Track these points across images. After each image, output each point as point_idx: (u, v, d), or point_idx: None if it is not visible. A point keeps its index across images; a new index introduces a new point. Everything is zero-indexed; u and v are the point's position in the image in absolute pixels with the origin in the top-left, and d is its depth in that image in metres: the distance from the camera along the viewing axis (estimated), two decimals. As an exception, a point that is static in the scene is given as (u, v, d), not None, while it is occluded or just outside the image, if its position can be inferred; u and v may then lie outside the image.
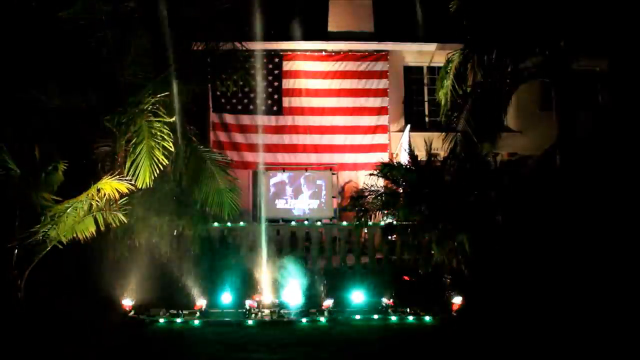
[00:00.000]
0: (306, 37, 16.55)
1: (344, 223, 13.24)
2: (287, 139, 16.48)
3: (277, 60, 16.58)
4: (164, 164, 9.82)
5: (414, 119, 16.57)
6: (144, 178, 9.59)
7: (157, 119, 10.01)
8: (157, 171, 9.70)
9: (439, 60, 15.24)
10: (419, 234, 10.49)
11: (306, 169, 16.15)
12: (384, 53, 16.71)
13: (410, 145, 12.95)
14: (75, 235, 9.25)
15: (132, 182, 9.48)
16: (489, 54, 12.06)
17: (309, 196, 15.77)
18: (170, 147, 9.92)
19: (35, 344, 8.02)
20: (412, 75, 17.27)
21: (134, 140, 9.97)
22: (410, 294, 10.50)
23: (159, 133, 9.90)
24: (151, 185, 9.70)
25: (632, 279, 9.32)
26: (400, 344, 8.51)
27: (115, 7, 10.49)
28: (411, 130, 14.91)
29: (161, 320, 9.74)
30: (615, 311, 8.79)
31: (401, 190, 11.09)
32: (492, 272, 10.19)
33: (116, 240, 10.54)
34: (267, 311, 10.06)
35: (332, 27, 17.02)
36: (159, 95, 10.24)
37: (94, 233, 9.34)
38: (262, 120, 15.99)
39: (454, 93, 12.56)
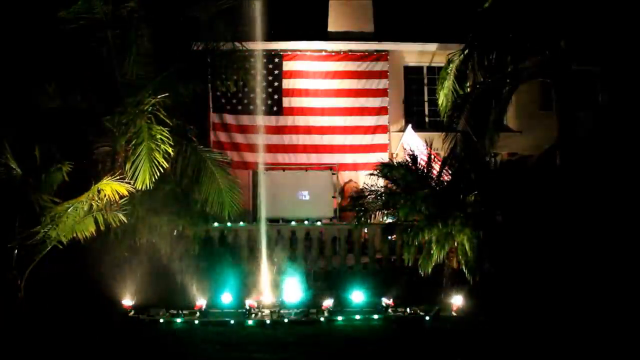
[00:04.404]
0: (306, 37, 16.56)
1: (344, 223, 13.23)
2: (287, 139, 16.47)
3: (277, 60, 16.58)
4: (164, 166, 9.84)
5: (414, 119, 16.57)
6: (144, 179, 9.61)
7: (158, 121, 10.04)
8: (157, 173, 9.73)
9: (439, 61, 15.26)
10: (419, 234, 10.49)
11: (306, 169, 16.14)
12: (384, 53, 16.71)
13: (412, 145, 12.98)
14: (75, 235, 9.27)
15: (132, 184, 9.50)
16: (489, 54, 12.06)
17: (309, 196, 15.75)
18: (170, 150, 9.94)
19: (35, 344, 8.02)
20: (412, 75, 17.26)
21: (134, 141, 10.00)
22: (410, 294, 10.49)
23: (159, 135, 9.92)
24: (151, 187, 9.72)
25: (632, 278, 9.32)
26: (400, 344, 8.51)
27: (115, 7, 10.49)
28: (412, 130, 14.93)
29: (161, 320, 9.74)
30: (615, 310, 8.80)
31: (401, 191, 11.08)
32: (492, 272, 10.20)
33: (116, 240, 10.55)
34: (267, 311, 10.05)
35: (332, 27, 17.01)
36: (159, 96, 10.25)
37: (94, 233, 9.36)
38: (262, 120, 15.95)
39: (454, 93, 12.58)
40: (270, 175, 15.60)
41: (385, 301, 10.29)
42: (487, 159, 11.86)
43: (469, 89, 12.82)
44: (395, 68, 16.90)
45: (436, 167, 11.36)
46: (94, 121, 10.44)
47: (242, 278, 11.12)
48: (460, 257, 10.49)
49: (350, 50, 16.67)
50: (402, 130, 15.78)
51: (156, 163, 9.71)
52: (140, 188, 9.62)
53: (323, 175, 16.01)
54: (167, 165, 9.99)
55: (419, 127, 15.81)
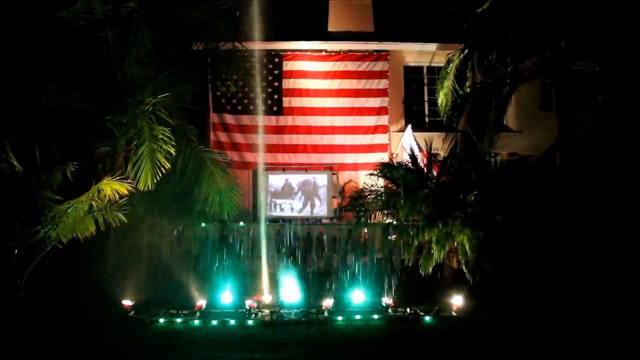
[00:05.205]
0: (306, 37, 16.57)
1: (344, 223, 13.24)
2: (287, 139, 16.48)
3: (277, 60, 16.58)
4: (166, 167, 9.84)
5: (414, 119, 16.57)
6: (146, 180, 9.61)
7: (158, 121, 10.04)
8: (159, 174, 9.73)
9: (439, 61, 15.25)
10: (419, 234, 10.49)
11: (306, 169, 16.15)
12: (384, 53, 16.71)
13: (411, 145, 12.98)
14: (75, 235, 9.27)
15: (133, 184, 9.50)
16: (489, 54, 12.05)
17: (309, 196, 15.76)
18: (172, 150, 9.94)
19: (35, 344, 8.02)
20: (412, 75, 17.27)
21: (134, 142, 10.00)
22: (410, 294, 10.50)
23: (160, 135, 9.91)
24: (152, 187, 9.72)
25: (632, 277, 9.33)
26: (400, 344, 8.51)
27: (115, 7, 10.50)
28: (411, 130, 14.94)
29: (161, 320, 9.74)
30: (614, 309, 8.80)
31: (401, 191, 11.09)
32: (492, 272, 10.20)
33: (116, 240, 10.55)
34: (267, 311, 10.06)
35: (332, 27, 17.02)
36: (159, 96, 10.24)
37: (94, 233, 9.36)
38: (262, 120, 15.94)
39: (454, 93, 12.56)
40: (270, 175, 15.62)
41: (385, 301, 10.30)
42: (487, 159, 11.86)
43: (468, 89, 12.81)
44: (395, 68, 16.91)
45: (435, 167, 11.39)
46: (94, 121, 10.43)
47: (242, 278, 11.12)
48: (460, 257, 10.50)
49: (350, 50, 16.68)
50: (402, 130, 15.78)
51: (158, 164, 9.72)
52: (142, 189, 9.62)
53: (323, 175, 16.01)
54: (169, 166, 9.99)
55: (419, 127, 15.82)
